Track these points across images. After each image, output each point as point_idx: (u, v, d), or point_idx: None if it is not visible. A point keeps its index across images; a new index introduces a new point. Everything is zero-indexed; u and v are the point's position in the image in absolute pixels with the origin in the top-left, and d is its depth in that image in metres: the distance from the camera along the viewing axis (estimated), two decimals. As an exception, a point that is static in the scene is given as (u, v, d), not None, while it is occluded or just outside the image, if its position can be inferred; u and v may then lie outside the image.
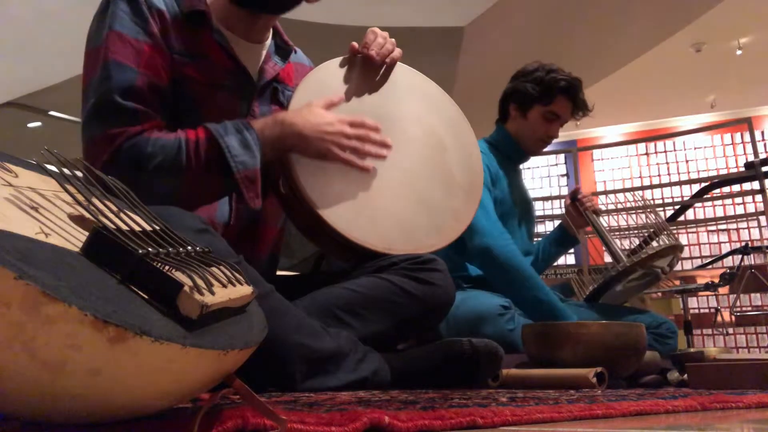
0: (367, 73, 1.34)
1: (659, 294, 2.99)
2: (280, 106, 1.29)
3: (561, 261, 4.40)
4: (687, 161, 6.70)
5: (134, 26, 1.12)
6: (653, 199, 5.11)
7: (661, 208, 4.19)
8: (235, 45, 1.22)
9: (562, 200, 5.59)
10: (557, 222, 4.18)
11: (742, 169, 3.53)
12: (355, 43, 1.34)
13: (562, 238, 2.14)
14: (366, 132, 1.22)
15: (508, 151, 2.04)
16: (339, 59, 1.33)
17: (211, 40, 1.19)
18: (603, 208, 2.14)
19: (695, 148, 6.70)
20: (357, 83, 1.32)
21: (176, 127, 1.14)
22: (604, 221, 2.15)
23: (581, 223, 2.08)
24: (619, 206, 3.57)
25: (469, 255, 1.85)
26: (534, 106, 1.98)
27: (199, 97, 1.17)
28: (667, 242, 1.89)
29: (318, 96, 1.26)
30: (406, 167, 1.31)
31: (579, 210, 2.06)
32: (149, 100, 1.10)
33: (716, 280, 2.65)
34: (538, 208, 4.17)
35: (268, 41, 1.31)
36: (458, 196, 1.36)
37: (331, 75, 1.30)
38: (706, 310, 5.28)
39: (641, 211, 2.33)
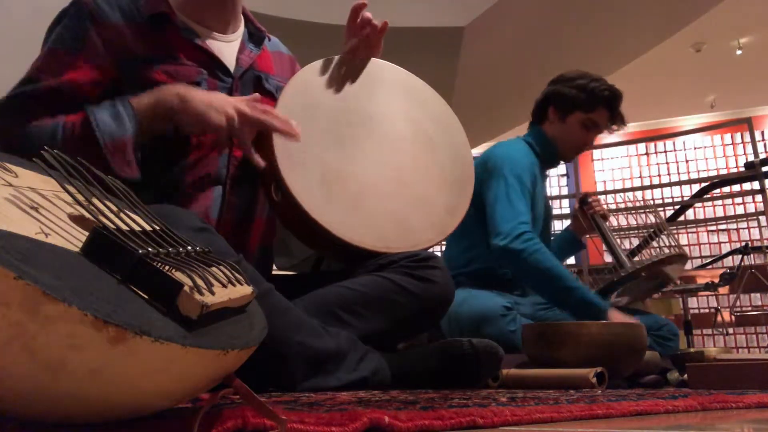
0: (353, 73, 1.35)
1: (659, 294, 3.00)
2: (266, 94, 1.26)
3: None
4: (687, 161, 6.71)
5: (70, 40, 1.12)
6: (653, 199, 5.11)
7: (662, 208, 4.19)
8: (208, 38, 1.22)
9: (562, 200, 5.55)
10: (556, 222, 4.19)
11: (742, 169, 3.53)
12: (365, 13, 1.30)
13: (571, 242, 2.13)
14: (268, 108, 1.14)
15: (545, 153, 2.01)
16: (324, 60, 1.33)
17: (180, 38, 1.18)
18: (604, 207, 2.13)
19: (695, 148, 6.70)
20: (343, 82, 1.32)
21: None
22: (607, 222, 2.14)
23: (591, 228, 2.06)
24: (620, 206, 3.57)
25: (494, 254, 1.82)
26: (574, 112, 1.95)
27: None
28: (668, 246, 1.89)
29: (304, 95, 1.25)
30: (397, 165, 1.31)
31: (587, 214, 2.05)
32: (45, 101, 1.10)
33: (716, 280, 2.65)
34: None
35: (241, 29, 1.30)
36: (451, 190, 1.36)
37: (316, 74, 1.30)
38: (706, 310, 5.28)
39: (641, 211, 2.33)
